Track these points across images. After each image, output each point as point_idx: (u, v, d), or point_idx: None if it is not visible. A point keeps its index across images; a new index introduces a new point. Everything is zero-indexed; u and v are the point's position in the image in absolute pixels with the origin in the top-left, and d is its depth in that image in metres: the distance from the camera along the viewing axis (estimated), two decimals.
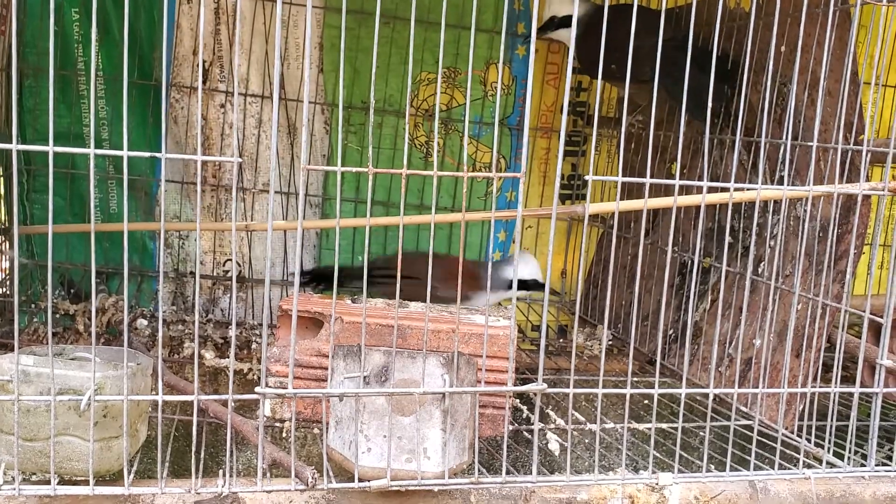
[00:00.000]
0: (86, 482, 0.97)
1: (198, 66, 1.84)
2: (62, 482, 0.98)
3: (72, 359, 1.06)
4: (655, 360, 1.66)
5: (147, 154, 0.95)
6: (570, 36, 1.65)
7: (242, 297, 1.91)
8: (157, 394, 0.99)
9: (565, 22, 1.69)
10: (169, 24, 1.82)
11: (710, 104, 1.06)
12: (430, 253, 1.01)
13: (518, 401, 1.43)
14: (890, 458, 1.27)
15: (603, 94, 2.01)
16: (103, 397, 0.97)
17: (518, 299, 2.03)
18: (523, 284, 1.69)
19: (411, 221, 1.48)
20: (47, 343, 0.99)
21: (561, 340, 1.97)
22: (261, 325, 1.79)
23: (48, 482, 0.96)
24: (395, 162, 1.92)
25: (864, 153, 1.18)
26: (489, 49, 1.92)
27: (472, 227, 2.02)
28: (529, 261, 1.73)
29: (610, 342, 1.82)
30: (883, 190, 1.15)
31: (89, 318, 1.65)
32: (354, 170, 0.96)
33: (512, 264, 1.69)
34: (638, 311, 1.80)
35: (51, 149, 0.91)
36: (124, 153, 0.92)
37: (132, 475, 1.00)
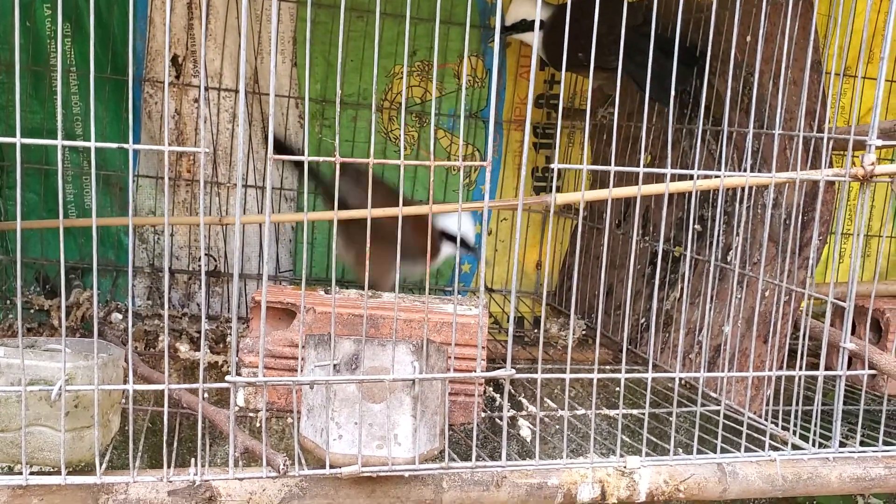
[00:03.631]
0: (58, 472, 0.97)
1: (170, 60, 1.84)
2: (34, 472, 0.98)
3: (44, 351, 1.07)
4: (627, 349, 1.68)
5: (115, 145, 0.95)
6: (533, 38, 1.67)
7: (218, 291, 1.91)
8: (128, 383, 1.00)
9: (531, 25, 1.71)
10: (142, 19, 1.82)
11: (673, 87, 1.08)
12: (400, 246, 1.02)
13: (492, 389, 1.44)
14: (863, 443, 1.30)
15: (575, 87, 2.03)
16: (74, 387, 0.97)
17: (490, 290, 2.05)
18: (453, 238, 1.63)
19: (378, 215, 1.48)
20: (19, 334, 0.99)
21: (536, 331, 1.99)
22: (237, 318, 1.80)
23: (20, 473, 0.97)
24: (368, 155, 1.93)
25: (825, 140, 1.20)
26: (463, 42, 1.93)
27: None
28: (464, 218, 1.65)
29: (584, 332, 1.84)
30: (845, 176, 1.17)
31: (65, 313, 1.65)
32: (321, 159, 0.97)
33: (446, 217, 1.62)
34: (610, 301, 1.82)
35: (18, 140, 0.91)
36: (92, 144, 0.92)
37: (105, 465, 1.01)
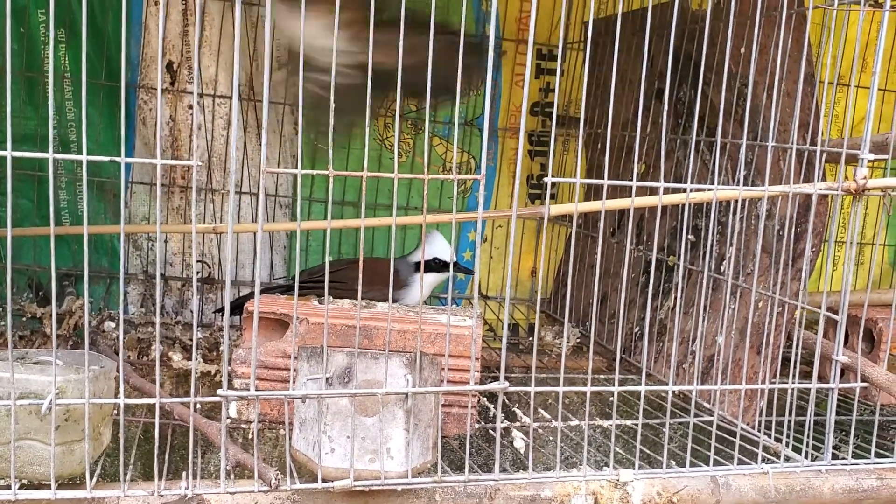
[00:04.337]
0: (48, 486, 0.97)
1: (164, 67, 1.84)
2: (23, 487, 0.98)
3: (34, 363, 1.06)
4: (621, 358, 1.68)
5: (107, 158, 0.95)
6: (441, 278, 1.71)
7: (212, 298, 1.91)
8: (119, 397, 1.00)
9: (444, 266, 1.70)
10: (136, 25, 1.82)
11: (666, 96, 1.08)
12: (392, 254, 1.02)
13: (486, 398, 1.44)
14: (856, 454, 1.30)
15: (570, 95, 2.03)
16: (64, 401, 0.97)
17: (485, 297, 2.05)
18: (429, 267, 1.68)
19: (372, 224, 1.49)
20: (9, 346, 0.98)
21: (530, 339, 1.99)
22: (231, 327, 1.79)
23: (9, 487, 0.96)
24: (362, 167, 1.93)
25: (818, 153, 1.20)
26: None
27: (443, 228, 2.03)
28: (434, 241, 1.70)
29: (578, 340, 1.84)
30: (837, 189, 1.17)
31: (57, 322, 1.64)
32: (315, 172, 0.96)
33: (419, 249, 1.67)
34: (604, 310, 1.82)
35: (9, 153, 0.91)
36: (84, 157, 0.92)
37: (95, 479, 1.00)
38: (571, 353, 1.80)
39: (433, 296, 2.01)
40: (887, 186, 1.14)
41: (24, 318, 1.70)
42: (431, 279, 1.72)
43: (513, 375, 1.65)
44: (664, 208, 1.57)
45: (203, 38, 1.83)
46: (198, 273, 1.91)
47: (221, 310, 1.81)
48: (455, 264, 1.66)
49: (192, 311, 1.89)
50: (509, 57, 2.00)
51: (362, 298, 1.50)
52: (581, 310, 1.91)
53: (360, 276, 0.98)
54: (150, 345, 1.64)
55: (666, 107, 1.11)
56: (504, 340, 1.07)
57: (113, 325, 1.69)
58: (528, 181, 2.11)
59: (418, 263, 1.69)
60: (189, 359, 1.57)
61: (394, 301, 1.63)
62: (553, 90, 2.04)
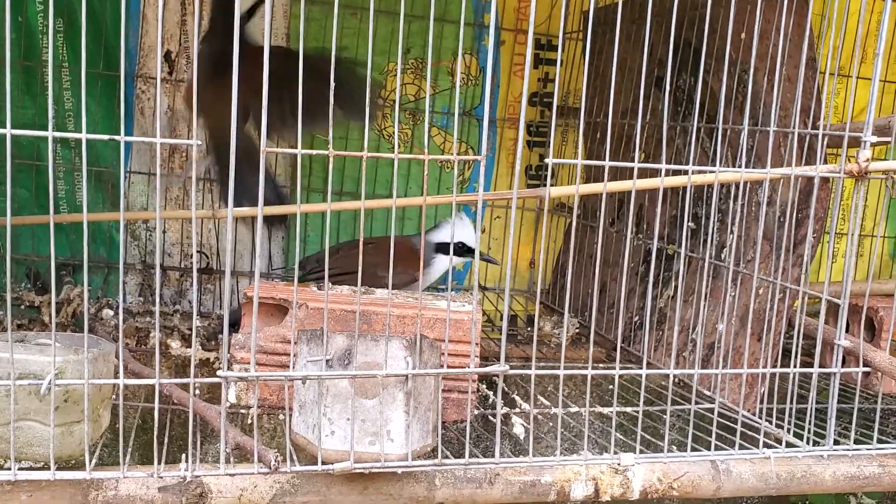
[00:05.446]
0: (47, 468, 0.96)
1: (163, 56, 1.83)
2: (23, 468, 0.97)
3: (34, 345, 1.06)
4: (621, 347, 1.68)
5: (107, 137, 0.94)
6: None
7: (210, 288, 1.90)
8: (118, 378, 0.99)
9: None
10: (134, 15, 1.81)
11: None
12: (392, 239, 1.02)
13: (485, 387, 1.44)
14: (858, 441, 1.29)
15: (569, 85, 2.03)
16: (64, 381, 0.96)
17: (482, 287, 2.04)
18: (454, 249, 1.67)
19: (372, 206, 1.49)
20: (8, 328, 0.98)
21: (529, 329, 1.99)
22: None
23: (8, 468, 0.96)
24: (364, 143, 1.93)
25: (820, 137, 1.20)
26: (457, 40, 1.93)
27: (442, 212, 2.02)
28: (461, 225, 1.70)
29: (577, 330, 1.84)
30: (839, 172, 1.17)
31: (55, 310, 1.63)
32: (314, 152, 0.96)
33: (440, 229, 1.68)
34: (603, 299, 1.82)
35: (8, 131, 0.90)
36: (83, 135, 0.91)
37: (94, 460, 1.00)
38: (570, 343, 1.80)
39: (431, 285, 2.01)
40: (889, 169, 1.14)
41: (22, 307, 1.69)
42: (455, 261, 1.71)
43: (511, 364, 1.64)
44: (664, 196, 1.57)
45: (201, 26, 1.83)
46: (196, 262, 1.90)
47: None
48: (480, 253, 1.67)
49: (190, 302, 1.89)
50: (507, 47, 1.99)
51: (392, 279, 1.53)
52: (580, 300, 1.90)
53: (361, 257, 0.98)
54: (148, 333, 1.64)
55: (666, 94, 1.11)
56: (504, 326, 1.07)
57: (111, 312, 1.68)
58: (526, 171, 2.10)
59: (439, 244, 1.69)
60: (187, 347, 1.56)
61: (413, 280, 1.63)
62: (552, 80, 2.04)
